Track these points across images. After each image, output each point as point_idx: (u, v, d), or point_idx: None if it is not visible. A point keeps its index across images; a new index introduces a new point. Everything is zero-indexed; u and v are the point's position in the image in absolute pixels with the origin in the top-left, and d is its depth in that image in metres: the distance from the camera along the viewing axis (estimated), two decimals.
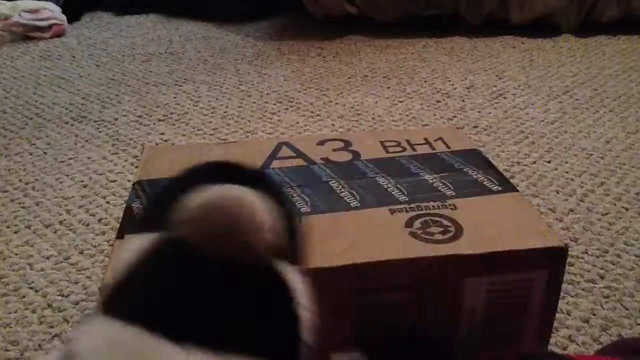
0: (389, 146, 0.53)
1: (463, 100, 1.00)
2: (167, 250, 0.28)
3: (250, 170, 0.34)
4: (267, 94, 1.05)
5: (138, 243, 0.29)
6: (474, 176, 0.48)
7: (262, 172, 0.35)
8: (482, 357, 0.39)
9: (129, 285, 0.28)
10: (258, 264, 0.28)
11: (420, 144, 0.53)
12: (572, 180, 0.75)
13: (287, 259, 0.30)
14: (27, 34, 1.40)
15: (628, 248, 0.62)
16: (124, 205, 0.47)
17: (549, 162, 0.80)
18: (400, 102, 1.00)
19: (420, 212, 0.43)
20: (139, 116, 0.96)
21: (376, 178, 0.48)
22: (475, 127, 0.90)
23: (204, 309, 0.27)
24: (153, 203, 0.34)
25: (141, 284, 0.28)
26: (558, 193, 0.72)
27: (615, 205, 0.70)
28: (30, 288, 0.57)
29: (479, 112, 0.96)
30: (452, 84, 1.08)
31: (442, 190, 0.46)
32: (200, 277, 0.27)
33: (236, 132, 0.90)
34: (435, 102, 1.00)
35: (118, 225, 0.44)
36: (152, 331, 0.25)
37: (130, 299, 0.27)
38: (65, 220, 0.68)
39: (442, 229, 0.41)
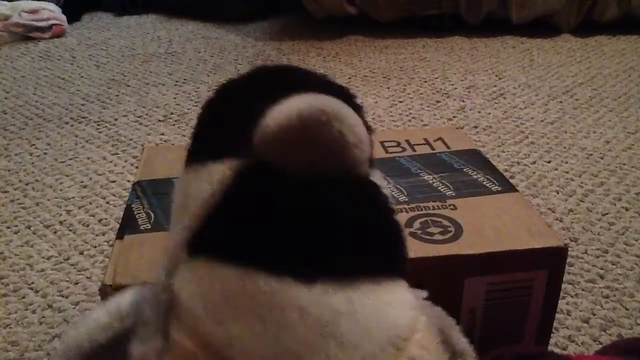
0: (389, 146, 0.53)
1: (463, 100, 1.00)
2: (257, 179, 0.25)
3: (313, 74, 0.30)
4: None
5: (215, 172, 0.26)
6: (474, 176, 0.48)
7: (325, 76, 0.30)
8: (482, 357, 0.39)
9: (220, 223, 0.25)
10: (358, 180, 0.26)
11: (420, 144, 0.53)
12: (572, 180, 0.75)
13: (372, 165, 0.28)
14: (27, 34, 1.40)
15: (628, 248, 0.62)
16: (124, 205, 0.47)
17: (548, 162, 0.80)
18: (400, 102, 1.00)
19: (420, 212, 0.43)
20: (139, 116, 0.96)
21: None
22: (475, 127, 0.90)
23: (315, 238, 0.24)
24: (215, 120, 0.29)
25: (235, 219, 0.24)
26: (558, 193, 0.72)
27: (615, 205, 0.70)
28: (31, 289, 0.57)
29: (479, 112, 0.96)
30: (452, 84, 1.08)
31: (442, 190, 0.46)
32: (301, 204, 0.24)
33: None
34: (435, 102, 1.00)
35: (118, 226, 0.44)
36: (265, 270, 0.23)
37: (227, 237, 0.24)
38: (65, 220, 0.68)
39: (442, 229, 0.41)
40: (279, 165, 0.24)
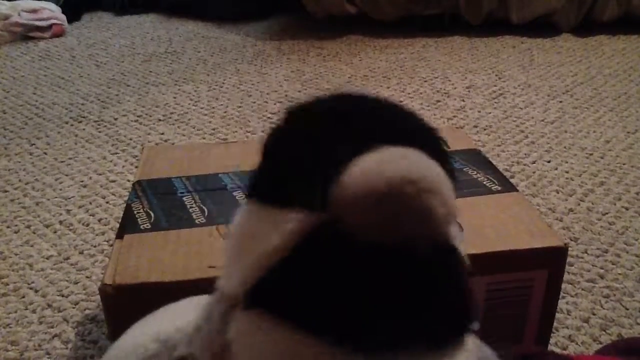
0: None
1: (463, 100, 1.00)
2: (335, 240, 0.22)
3: (402, 112, 0.27)
4: (267, 93, 1.05)
5: (288, 221, 0.23)
6: (474, 176, 0.48)
7: (413, 115, 0.27)
8: None
9: (288, 279, 0.23)
10: (444, 248, 0.24)
11: None
12: (572, 179, 0.75)
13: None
14: (27, 34, 1.40)
15: (628, 248, 0.62)
16: (124, 205, 0.47)
17: (548, 161, 0.80)
18: (400, 101, 1.00)
19: None
20: (139, 116, 0.96)
21: None
22: (475, 126, 0.90)
23: (387, 312, 0.22)
24: (289, 156, 0.25)
25: (306, 280, 0.22)
26: (558, 193, 0.72)
27: (615, 204, 0.70)
28: (30, 288, 0.57)
29: (479, 111, 0.96)
30: (452, 84, 1.08)
31: None
32: (379, 273, 0.22)
33: (236, 132, 0.90)
34: (435, 102, 1.00)
35: (118, 226, 0.44)
36: (325, 339, 0.22)
37: (293, 297, 0.23)
38: (65, 220, 0.68)
39: None
40: (357, 229, 0.22)
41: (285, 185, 0.25)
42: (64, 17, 1.45)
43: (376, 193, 0.22)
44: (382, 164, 0.22)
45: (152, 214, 0.44)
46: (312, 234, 0.23)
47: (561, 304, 0.53)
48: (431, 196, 0.22)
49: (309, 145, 0.25)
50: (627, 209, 0.69)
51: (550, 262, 0.40)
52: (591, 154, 0.82)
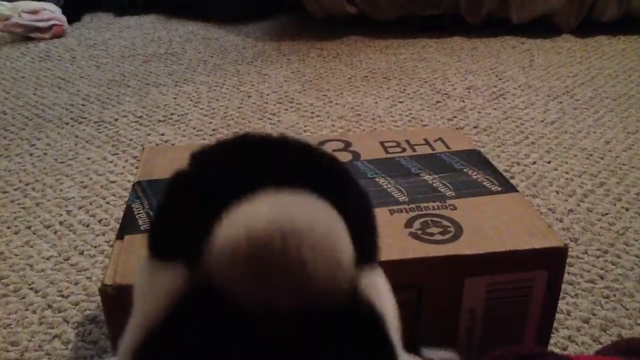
0: (389, 146, 0.53)
1: (463, 101, 1.00)
2: (208, 307, 0.20)
3: (296, 153, 0.24)
4: (267, 94, 1.05)
5: (168, 279, 0.21)
6: (474, 176, 0.48)
7: (313, 152, 0.24)
8: (482, 357, 0.39)
9: (165, 344, 0.21)
10: (338, 307, 0.21)
11: (420, 145, 0.54)
12: (572, 180, 0.75)
13: (365, 264, 0.23)
14: (27, 34, 1.40)
15: (628, 248, 0.62)
16: (124, 205, 0.47)
17: (548, 162, 0.80)
18: (400, 102, 1.00)
19: (420, 213, 0.43)
20: (139, 117, 0.96)
21: (376, 178, 0.48)
22: (475, 127, 0.90)
23: None
24: (179, 206, 0.24)
25: (180, 345, 0.20)
26: (558, 193, 0.72)
27: (615, 205, 0.70)
28: (31, 289, 0.57)
29: (479, 112, 0.96)
30: (452, 85, 1.08)
31: (441, 190, 0.46)
32: (251, 344, 0.20)
33: (236, 132, 0.90)
34: (435, 103, 1.00)
35: (118, 226, 0.44)
36: None
37: None
38: (65, 221, 0.68)
39: (441, 229, 0.41)
40: (227, 288, 0.20)
41: (173, 237, 0.23)
42: (64, 17, 1.46)
43: (237, 250, 0.19)
44: (247, 216, 0.20)
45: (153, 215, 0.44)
46: (183, 298, 0.21)
47: (561, 304, 0.53)
48: (300, 248, 0.19)
49: (198, 191, 0.23)
50: (627, 209, 0.69)
51: (550, 262, 0.40)
52: (591, 155, 0.82)
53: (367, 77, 1.12)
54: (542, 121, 0.92)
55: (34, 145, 0.87)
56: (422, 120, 0.93)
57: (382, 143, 0.54)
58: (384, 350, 0.22)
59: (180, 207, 0.23)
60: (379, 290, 0.23)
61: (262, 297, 0.20)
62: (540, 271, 0.40)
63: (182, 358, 0.20)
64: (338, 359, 0.20)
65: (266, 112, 0.97)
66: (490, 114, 0.95)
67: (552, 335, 0.46)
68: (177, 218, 0.23)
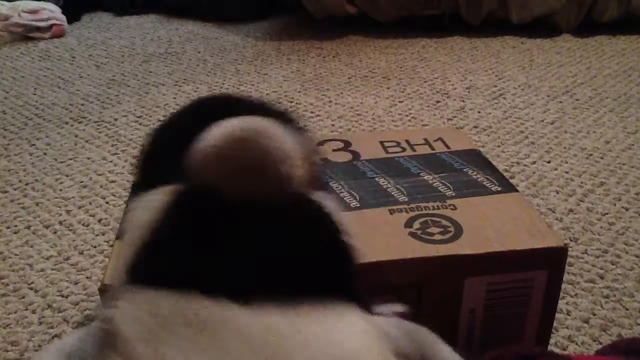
0: (389, 146, 0.53)
1: (463, 101, 1.00)
2: (192, 203, 0.25)
3: (253, 100, 0.30)
4: (267, 94, 1.05)
5: (153, 200, 0.25)
6: (474, 176, 0.48)
7: (264, 101, 0.30)
8: (482, 357, 0.39)
9: (157, 249, 0.24)
10: (294, 198, 0.25)
11: (420, 144, 0.53)
12: (572, 180, 0.75)
13: (315, 186, 0.27)
14: (27, 34, 1.40)
15: (628, 248, 0.62)
16: (124, 205, 0.47)
17: (548, 162, 0.80)
18: (400, 102, 1.00)
19: (420, 213, 0.43)
20: (139, 117, 0.96)
21: (376, 178, 0.48)
22: (475, 127, 0.90)
23: (252, 260, 0.23)
24: (156, 150, 0.29)
25: (171, 245, 0.24)
26: (558, 193, 0.72)
27: (615, 205, 0.70)
28: (30, 288, 0.57)
29: (479, 112, 0.96)
30: (452, 84, 1.08)
31: (441, 190, 0.46)
32: (237, 225, 0.24)
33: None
34: (435, 103, 1.00)
35: (118, 226, 0.44)
36: (200, 292, 0.22)
37: (163, 263, 0.24)
38: (65, 220, 0.68)
39: (441, 229, 0.41)
40: (213, 188, 0.24)
41: (156, 172, 0.27)
42: (64, 17, 1.46)
43: (213, 146, 0.24)
44: (222, 126, 0.24)
45: None
46: (172, 202, 0.25)
47: (561, 304, 0.53)
48: (262, 139, 0.24)
49: (174, 136, 0.28)
50: (627, 209, 0.69)
51: (550, 262, 0.40)
52: (591, 155, 0.82)
53: (367, 77, 1.12)
54: (542, 121, 0.92)
55: (34, 145, 0.87)
56: (422, 120, 0.93)
57: (382, 143, 0.54)
58: (334, 238, 0.26)
59: (159, 146, 0.29)
60: (331, 205, 0.27)
61: (240, 184, 0.24)
62: (540, 271, 0.40)
63: (179, 250, 0.24)
64: (290, 239, 0.24)
65: None
66: (490, 113, 0.95)
67: (552, 335, 0.46)
68: (158, 154, 0.28)
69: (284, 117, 0.28)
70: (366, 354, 0.24)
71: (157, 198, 0.25)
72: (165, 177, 0.26)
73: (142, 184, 0.28)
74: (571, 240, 0.63)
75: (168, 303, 0.22)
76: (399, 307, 0.29)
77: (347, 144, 0.53)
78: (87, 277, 0.58)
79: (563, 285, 0.53)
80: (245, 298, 0.22)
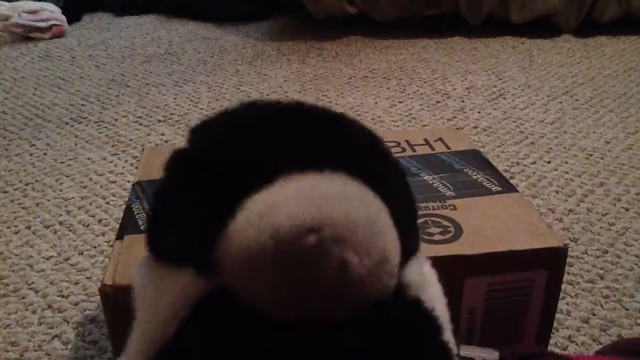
0: (389, 147, 0.53)
1: (463, 101, 1.00)
2: (222, 312, 0.17)
3: (333, 126, 0.19)
4: (267, 94, 1.05)
5: (181, 284, 0.18)
6: (474, 176, 0.48)
7: (350, 125, 0.20)
8: None
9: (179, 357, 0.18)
10: (379, 307, 0.17)
11: (420, 145, 0.53)
12: (572, 180, 0.75)
13: (408, 256, 0.19)
14: (27, 34, 1.40)
15: (628, 248, 0.62)
16: (124, 206, 0.47)
17: (548, 162, 0.80)
18: (400, 102, 1.00)
19: (420, 213, 0.43)
20: (139, 117, 0.96)
21: None
22: (475, 127, 0.90)
23: None
24: (176, 202, 0.20)
25: (194, 356, 0.17)
26: (558, 193, 0.72)
27: (615, 205, 0.70)
28: (30, 289, 0.57)
29: (479, 112, 0.96)
30: (452, 85, 1.08)
31: (441, 190, 0.46)
32: (292, 355, 0.16)
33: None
34: (435, 103, 1.00)
35: (118, 226, 0.44)
36: None
37: None
38: (65, 221, 0.68)
39: (441, 229, 0.41)
40: (248, 297, 0.17)
41: (182, 235, 0.19)
42: (64, 17, 1.46)
43: (259, 250, 0.16)
44: (272, 208, 0.16)
45: None
46: (201, 303, 0.18)
47: (561, 304, 0.53)
48: (341, 246, 0.15)
49: (203, 180, 0.19)
50: (627, 209, 0.69)
51: (550, 262, 0.40)
52: (591, 155, 0.82)
53: (367, 77, 1.12)
54: (542, 121, 0.92)
55: (34, 145, 0.87)
56: (422, 120, 0.93)
57: None
58: (437, 346, 0.19)
59: (183, 197, 0.19)
60: (427, 281, 0.20)
61: (294, 306, 0.16)
62: (540, 271, 0.40)
63: None
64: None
65: None
66: (490, 114, 0.95)
67: (552, 335, 0.46)
68: (181, 211, 0.19)
69: (379, 165, 0.19)
70: None
71: (183, 283, 0.18)
72: (191, 250, 0.19)
73: (163, 245, 0.20)
74: (571, 241, 0.63)
75: None
76: (490, 353, 0.26)
77: None
78: (87, 278, 0.58)
79: (563, 286, 0.53)
80: None
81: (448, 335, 0.19)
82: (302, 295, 0.16)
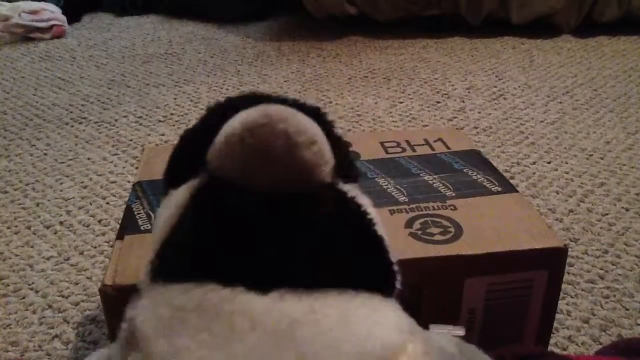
0: (389, 147, 0.53)
1: (463, 101, 1.00)
2: (212, 196, 0.24)
3: (285, 97, 0.28)
4: None
5: (176, 196, 0.25)
6: (474, 177, 0.48)
7: (297, 98, 0.29)
8: None
9: (178, 244, 0.24)
10: (321, 188, 0.24)
11: (420, 145, 0.54)
12: (572, 180, 0.75)
13: (344, 176, 0.26)
14: (27, 35, 1.40)
15: (628, 248, 0.62)
16: (124, 206, 0.47)
17: (549, 162, 0.80)
18: (400, 102, 1.00)
19: (420, 213, 0.43)
20: (139, 117, 0.96)
21: (376, 179, 0.48)
22: (475, 127, 0.90)
23: (274, 252, 0.22)
24: (183, 150, 0.29)
25: (192, 239, 0.23)
26: (558, 193, 0.72)
27: (615, 205, 0.70)
28: (31, 289, 0.57)
29: (479, 112, 0.96)
30: (452, 85, 1.08)
31: (442, 190, 0.46)
32: (258, 217, 0.23)
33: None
34: (435, 103, 1.00)
35: (118, 226, 0.44)
36: (215, 280, 0.22)
37: (184, 258, 0.23)
38: (65, 221, 0.68)
39: (442, 230, 0.41)
40: (233, 179, 0.23)
41: (182, 170, 0.26)
42: (64, 18, 1.46)
43: (232, 135, 0.23)
44: (242, 114, 0.23)
45: (153, 215, 0.44)
46: (193, 196, 0.24)
47: (561, 304, 0.53)
48: (283, 124, 0.22)
49: (201, 134, 0.27)
50: (627, 209, 0.69)
51: (550, 262, 0.40)
52: (591, 155, 0.82)
53: (367, 77, 1.12)
54: (542, 121, 0.93)
55: (34, 145, 0.87)
56: (422, 121, 0.93)
57: (382, 143, 0.54)
58: (368, 232, 0.25)
59: (184, 146, 0.28)
60: (363, 199, 0.26)
61: (262, 174, 0.23)
62: (540, 271, 0.40)
63: (197, 242, 0.23)
64: (323, 232, 0.23)
65: None
66: (490, 114, 0.95)
67: (552, 335, 0.47)
68: (185, 153, 0.28)
69: (313, 111, 0.27)
70: (402, 352, 0.22)
71: (180, 194, 0.25)
72: (188, 174, 0.26)
73: (168, 184, 0.28)
74: (571, 241, 0.63)
75: (186, 296, 0.22)
76: (458, 331, 0.28)
77: None
78: (88, 278, 0.58)
79: (563, 286, 0.54)
80: (265, 288, 0.22)
81: (382, 231, 0.25)
82: (264, 163, 0.22)
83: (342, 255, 0.23)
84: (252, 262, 0.22)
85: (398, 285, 0.26)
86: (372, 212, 0.26)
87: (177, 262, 0.23)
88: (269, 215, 0.23)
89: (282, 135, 0.22)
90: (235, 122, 0.23)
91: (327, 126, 0.27)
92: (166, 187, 0.28)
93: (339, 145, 0.26)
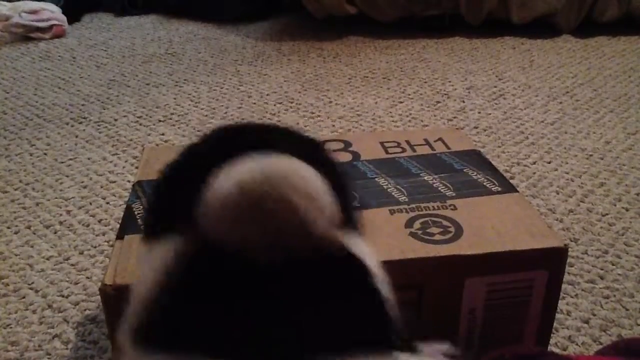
0: (389, 147, 0.53)
1: (463, 101, 1.00)
2: (203, 262, 0.21)
3: (282, 130, 0.26)
4: (267, 94, 1.05)
5: (162, 254, 0.23)
6: (474, 177, 0.48)
7: (295, 131, 0.26)
8: (482, 357, 0.39)
9: (165, 311, 0.22)
10: (325, 253, 0.22)
11: (420, 145, 0.54)
12: (572, 180, 0.75)
13: (348, 227, 0.24)
14: (27, 34, 1.40)
15: (628, 249, 0.62)
16: (124, 206, 0.47)
17: (549, 162, 0.80)
18: (400, 102, 1.00)
19: (420, 213, 0.43)
20: (139, 117, 0.96)
21: (376, 179, 0.48)
22: (475, 127, 0.90)
23: (275, 325, 0.20)
24: (168, 189, 0.26)
25: (179, 307, 0.21)
26: (558, 194, 0.72)
27: (615, 205, 0.70)
28: (31, 289, 0.57)
29: (479, 112, 0.96)
30: (452, 85, 1.08)
31: (442, 190, 0.46)
32: (253, 288, 0.21)
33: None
34: (435, 103, 1.00)
35: (118, 226, 0.44)
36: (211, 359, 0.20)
37: (169, 327, 0.21)
38: (65, 220, 0.68)
39: (442, 230, 0.41)
40: (228, 245, 0.21)
41: (165, 215, 0.24)
42: (64, 18, 1.46)
43: (227, 199, 0.20)
44: (236, 170, 0.21)
45: None
46: (180, 260, 0.22)
47: (561, 304, 0.53)
48: (291, 190, 0.21)
49: (186, 174, 0.25)
50: (627, 210, 0.69)
51: (551, 262, 0.40)
52: (591, 155, 0.82)
53: (367, 77, 1.12)
54: (542, 121, 0.92)
55: (34, 145, 0.87)
56: (422, 121, 0.93)
57: (382, 143, 0.54)
58: (371, 293, 0.23)
59: (169, 188, 0.25)
60: (364, 250, 0.25)
61: (257, 239, 0.21)
62: (540, 271, 0.40)
63: (184, 314, 0.21)
64: (327, 298, 0.22)
65: (266, 112, 0.97)
66: (490, 114, 0.95)
67: (552, 335, 0.46)
68: (166, 198, 0.25)
69: (311, 148, 0.25)
70: None
71: (164, 250, 0.23)
72: (172, 224, 0.23)
73: (150, 228, 0.26)
74: (571, 241, 0.63)
75: None
76: (445, 347, 0.28)
77: (347, 145, 0.53)
78: (88, 277, 0.58)
79: (563, 286, 0.53)
80: None
81: (384, 290, 0.24)
82: (262, 229, 0.21)
83: (348, 324, 0.22)
84: (244, 344, 0.21)
85: (397, 340, 0.24)
86: (373, 263, 0.25)
87: (163, 331, 0.22)
88: (269, 292, 0.21)
89: (281, 200, 0.21)
90: (230, 184, 0.21)
91: (328, 167, 0.25)
92: (148, 234, 0.26)
93: (342, 191, 0.25)
